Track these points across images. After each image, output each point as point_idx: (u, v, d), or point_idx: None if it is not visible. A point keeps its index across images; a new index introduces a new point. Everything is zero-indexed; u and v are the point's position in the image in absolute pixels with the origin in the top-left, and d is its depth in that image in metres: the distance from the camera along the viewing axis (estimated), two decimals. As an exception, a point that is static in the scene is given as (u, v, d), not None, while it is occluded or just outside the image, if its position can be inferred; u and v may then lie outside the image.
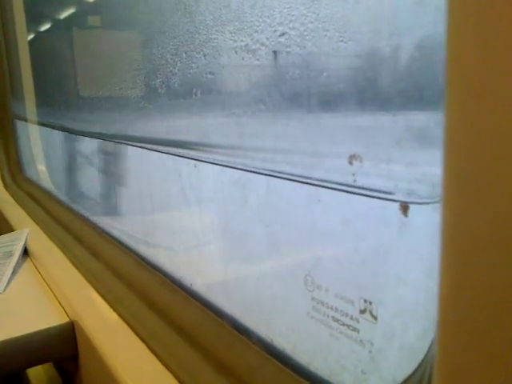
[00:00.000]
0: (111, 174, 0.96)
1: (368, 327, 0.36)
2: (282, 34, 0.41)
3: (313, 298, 0.41)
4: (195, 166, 0.58)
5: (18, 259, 0.94)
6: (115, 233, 0.89)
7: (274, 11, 0.42)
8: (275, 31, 0.42)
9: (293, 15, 0.40)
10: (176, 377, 0.50)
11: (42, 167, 1.62)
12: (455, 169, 0.19)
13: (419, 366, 0.31)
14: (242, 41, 0.47)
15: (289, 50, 0.41)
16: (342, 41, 0.36)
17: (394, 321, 0.35)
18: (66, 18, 1.19)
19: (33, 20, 1.58)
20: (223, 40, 0.50)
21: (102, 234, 0.94)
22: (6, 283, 0.84)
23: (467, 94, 0.18)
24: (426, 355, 0.29)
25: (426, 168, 0.30)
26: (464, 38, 0.18)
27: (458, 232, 0.19)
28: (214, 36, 0.52)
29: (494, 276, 0.18)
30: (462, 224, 0.19)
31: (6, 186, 1.72)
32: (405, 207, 0.31)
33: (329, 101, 0.38)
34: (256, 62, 0.46)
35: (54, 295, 0.79)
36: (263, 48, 0.44)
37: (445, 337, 0.21)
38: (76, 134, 1.15)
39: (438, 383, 0.22)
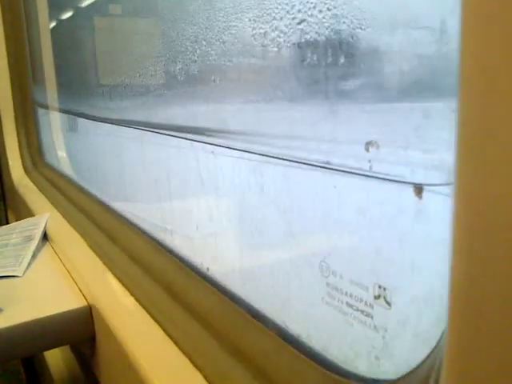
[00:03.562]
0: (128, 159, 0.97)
1: (382, 313, 0.36)
2: (301, 22, 0.41)
3: (327, 284, 0.41)
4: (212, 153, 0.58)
5: (38, 243, 0.96)
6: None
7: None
8: (294, 18, 0.42)
9: (312, 2, 0.40)
10: (191, 360, 0.50)
11: (62, 153, 1.64)
12: (468, 152, 0.19)
13: (431, 352, 0.31)
14: (260, 28, 0.47)
15: (307, 37, 0.41)
16: (360, 28, 0.36)
17: (408, 307, 0.35)
18: (87, 6, 1.19)
19: (55, 8, 1.59)
20: (242, 27, 0.51)
21: (121, 219, 0.95)
22: (25, 267, 0.85)
23: (480, 77, 0.18)
24: (439, 342, 0.30)
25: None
26: (477, 26, 0.18)
27: (471, 217, 0.19)
28: (233, 23, 0.52)
29: (506, 263, 0.18)
30: (475, 208, 0.19)
31: (26, 172, 1.74)
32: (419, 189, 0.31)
33: (345, 88, 0.38)
34: (275, 49, 0.46)
35: (73, 279, 0.80)
36: (282, 35, 0.44)
37: (455, 324, 0.21)
38: (96, 121, 1.16)
39: (448, 369, 0.22)
